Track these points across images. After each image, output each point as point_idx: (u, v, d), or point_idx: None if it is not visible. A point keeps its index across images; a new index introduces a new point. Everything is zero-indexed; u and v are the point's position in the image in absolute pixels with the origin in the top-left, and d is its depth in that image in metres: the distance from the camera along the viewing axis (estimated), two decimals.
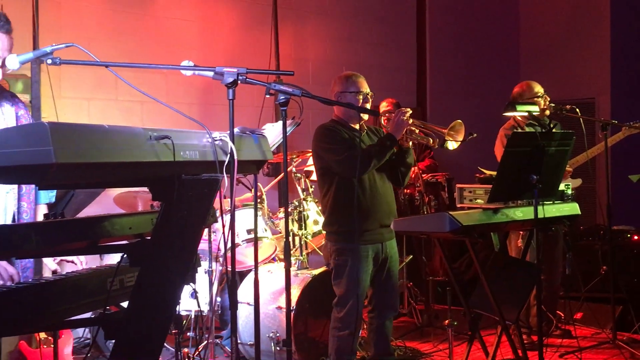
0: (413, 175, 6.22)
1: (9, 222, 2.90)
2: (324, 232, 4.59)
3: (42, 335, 4.16)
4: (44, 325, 2.62)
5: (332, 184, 4.26)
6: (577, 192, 4.48)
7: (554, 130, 3.89)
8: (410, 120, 4.17)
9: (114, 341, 2.38)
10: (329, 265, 4.40)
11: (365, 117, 4.35)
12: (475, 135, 4.19)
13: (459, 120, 4.18)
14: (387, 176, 4.38)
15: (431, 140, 4.26)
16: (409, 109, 4.16)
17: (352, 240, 4.17)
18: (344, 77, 4.40)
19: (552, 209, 4.01)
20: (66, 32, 5.56)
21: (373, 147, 4.17)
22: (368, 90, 4.36)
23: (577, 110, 5.13)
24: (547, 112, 5.19)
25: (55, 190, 3.13)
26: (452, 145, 4.17)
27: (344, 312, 4.21)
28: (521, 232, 5.08)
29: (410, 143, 4.32)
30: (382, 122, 4.69)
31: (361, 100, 4.31)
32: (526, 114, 5.18)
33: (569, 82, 8.98)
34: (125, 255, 2.26)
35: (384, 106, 6.20)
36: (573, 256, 5.54)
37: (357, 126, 4.33)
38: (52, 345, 3.86)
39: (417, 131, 4.27)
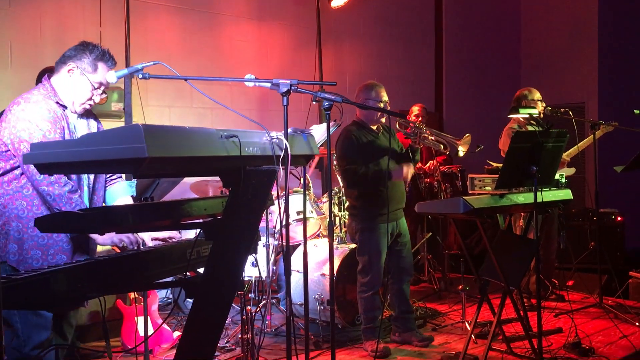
0: (432, 167, 6.21)
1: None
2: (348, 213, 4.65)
3: (134, 294, 4.26)
4: (137, 286, 2.68)
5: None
6: (569, 180, 4.42)
7: (550, 129, 3.84)
8: (425, 128, 4.26)
9: (192, 300, 2.42)
10: (354, 240, 4.44)
11: (383, 120, 4.37)
12: (482, 147, 4.25)
13: (469, 134, 4.24)
14: None
15: (442, 146, 4.28)
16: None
17: (372, 221, 4.25)
18: (368, 87, 4.38)
19: (548, 195, 3.96)
20: (151, 53, 5.64)
21: (375, 174, 4.20)
22: (386, 98, 4.37)
23: (570, 112, 5.06)
24: (542, 115, 5.16)
25: (134, 186, 3.16)
26: (461, 152, 4.25)
27: (367, 278, 4.26)
28: (522, 214, 5.02)
29: (421, 145, 4.34)
30: (397, 126, 4.68)
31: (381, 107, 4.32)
32: (527, 115, 5.15)
33: (563, 89, 8.84)
34: (201, 231, 2.29)
35: (415, 110, 6.20)
36: (566, 234, 5.47)
37: (375, 127, 4.35)
38: (142, 303, 3.94)
39: (430, 138, 4.30)
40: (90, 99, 2.87)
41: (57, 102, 2.82)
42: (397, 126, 4.67)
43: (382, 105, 4.30)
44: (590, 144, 5.44)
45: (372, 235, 4.24)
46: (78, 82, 2.82)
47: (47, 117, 2.73)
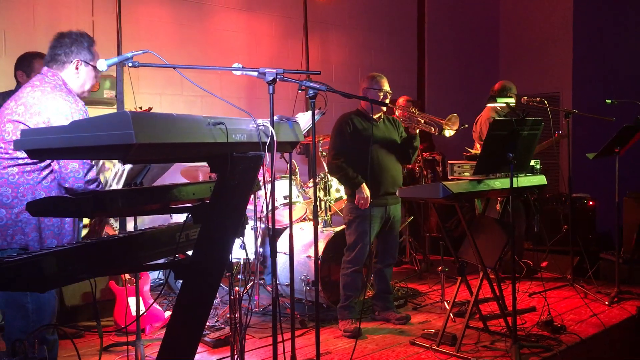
0: None
1: None
2: (345, 196, 4.63)
3: (127, 276, 4.24)
4: (129, 268, 2.65)
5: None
6: (544, 166, 4.44)
7: (526, 118, 3.84)
8: (417, 112, 4.21)
9: (181, 281, 2.40)
10: (345, 221, 4.44)
11: (384, 108, 4.33)
12: (466, 126, 4.20)
13: (455, 114, 4.17)
14: (397, 156, 4.39)
15: (432, 129, 4.25)
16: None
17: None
18: (371, 77, 4.37)
19: (524, 180, 3.97)
20: (143, 42, 5.56)
21: (347, 178, 4.23)
22: (388, 88, 4.34)
23: (545, 102, 5.08)
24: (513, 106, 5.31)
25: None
26: (448, 133, 4.18)
27: (351, 256, 4.28)
28: (499, 198, 5.04)
29: (417, 130, 4.32)
30: (397, 113, 4.66)
31: (381, 96, 4.29)
32: (504, 105, 5.17)
33: (539, 80, 8.88)
34: (190, 215, 2.26)
35: (401, 101, 6.19)
36: (540, 217, 5.51)
37: (376, 116, 4.33)
38: (135, 284, 3.92)
39: (422, 121, 4.26)
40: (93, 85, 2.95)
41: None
42: (398, 114, 4.64)
43: (381, 94, 4.28)
44: (564, 134, 5.57)
45: (361, 217, 4.25)
46: (86, 73, 2.87)
47: (81, 110, 2.71)
